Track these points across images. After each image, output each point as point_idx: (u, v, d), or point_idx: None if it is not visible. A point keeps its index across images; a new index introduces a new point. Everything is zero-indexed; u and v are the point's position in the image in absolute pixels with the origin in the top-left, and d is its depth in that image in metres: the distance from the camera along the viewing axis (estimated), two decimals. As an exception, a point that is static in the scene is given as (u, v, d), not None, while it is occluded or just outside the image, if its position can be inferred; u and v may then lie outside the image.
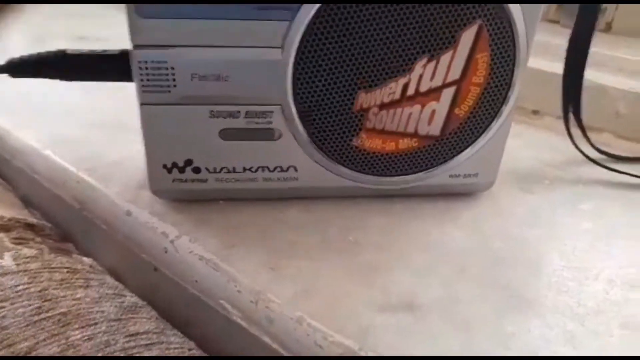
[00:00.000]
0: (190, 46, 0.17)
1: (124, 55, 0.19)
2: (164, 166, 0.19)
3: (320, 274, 0.17)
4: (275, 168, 0.20)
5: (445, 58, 0.18)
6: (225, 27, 0.17)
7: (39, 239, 0.24)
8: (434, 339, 0.15)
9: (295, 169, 0.20)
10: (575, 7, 0.24)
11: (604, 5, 0.36)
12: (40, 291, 0.20)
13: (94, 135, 0.26)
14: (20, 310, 0.18)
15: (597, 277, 0.18)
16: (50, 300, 0.19)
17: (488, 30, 0.18)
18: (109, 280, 0.22)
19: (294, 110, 0.18)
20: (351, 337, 0.15)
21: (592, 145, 0.26)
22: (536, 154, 0.27)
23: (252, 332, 0.17)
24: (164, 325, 0.20)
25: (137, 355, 0.18)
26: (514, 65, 0.19)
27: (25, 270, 0.21)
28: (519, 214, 0.22)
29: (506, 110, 0.20)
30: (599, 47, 0.33)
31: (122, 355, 0.18)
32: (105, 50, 0.19)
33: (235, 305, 0.17)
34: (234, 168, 0.20)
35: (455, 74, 0.18)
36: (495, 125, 0.20)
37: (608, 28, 0.36)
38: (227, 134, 0.19)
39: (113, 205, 0.21)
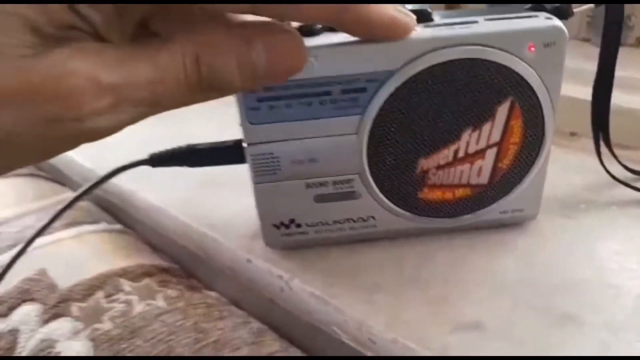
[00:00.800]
0: (288, 140, 0.23)
1: (237, 144, 0.25)
2: (274, 225, 0.25)
3: (404, 306, 0.23)
4: (358, 219, 0.25)
5: (486, 127, 0.23)
6: (313, 124, 0.22)
7: (174, 280, 0.31)
8: (495, 352, 0.21)
9: (374, 218, 0.25)
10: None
11: (632, 21, 0.39)
12: (192, 325, 0.26)
13: (202, 195, 0.33)
14: (185, 341, 0.25)
15: (628, 293, 0.23)
16: (202, 332, 0.26)
17: (519, 103, 0.22)
18: (235, 310, 0.29)
19: (370, 177, 0.24)
20: (435, 351, 0.21)
21: (624, 166, 0.30)
22: (573, 178, 0.31)
23: (359, 349, 0.23)
24: (286, 344, 0.26)
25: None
26: (543, 125, 0.23)
27: (176, 309, 0.28)
28: (559, 240, 0.26)
29: (541, 160, 0.24)
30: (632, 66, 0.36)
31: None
32: (223, 142, 0.26)
33: (345, 331, 0.23)
34: (326, 222, 0.25)
35: (495, 137, 0.23)
36: (533, 172, 0.24)
37: (639, 43, 0.38)
38: (319, 198, 0.25)
39: (235, 254, 0.28)
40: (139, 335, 0.26)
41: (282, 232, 0.26)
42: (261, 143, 0.23)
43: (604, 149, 0.29)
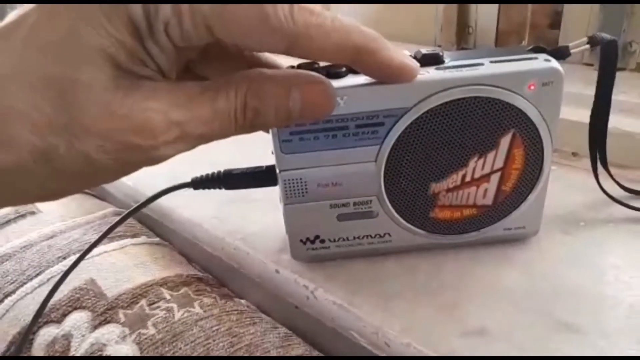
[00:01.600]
0: (315, 167, 0.26)
1: (269, 169, 0.28)
2: (301, 240, 0.28)
3: (417, 312, 0.26)
4: (375, 235, 0.28)
5: (490, 155, 0.26)
6: (337, 154, 0.25)
7: (209, 289, 0.34)
8: (498, 355, 0.23)
9: (390, 235, 0.28)
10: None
11: (633, 47, 0.41)
12: (226, 330, 0.29)
13: (231, 211, 0.36)
14: (221, 344, 0.28)
15: (621, 304, 0.25)
16: (236, 336, 0.29)
17: (520, 135, 0.25)
18: (263, 316, 0.32)
19: (386, 199, 0.27)
20: (443, 354, 0.23)
21: (620, 185, 0.32)
22: (574, 196, 0.33)
23: (375, 352, 0.25)
24: (311, 348, 0.29)
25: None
26: (542, 153, 0.26)
27: (211, 315, 0.31)
28: (559, 255, 0.28)
29: (540, 183, 0.27)
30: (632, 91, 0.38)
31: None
32: (256, 167, 0.29)
33: (362, 335, 0.26)
34: (347, 238, 0.28)
35: (499, 164, 0.26)
36: (534, 194, 0.27)
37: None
38: (341, 217, 0.28)
39: (264, 265, 0.31)
40: (180, 340, 0.29)
41: (308, 247, 0.29)
42: (292, 169, 0.26)
43: (601, 169, 0.31)
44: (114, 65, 0.17)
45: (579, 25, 0.43)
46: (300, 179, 0.26)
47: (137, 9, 0.17)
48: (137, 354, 0.29)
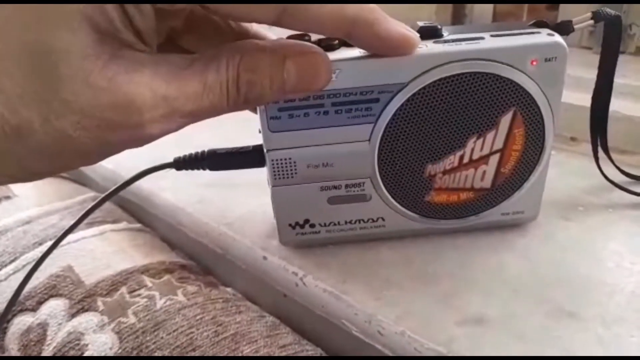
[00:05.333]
0: (305, 146, 0.24)
1: (256, 149, 0.26)
2: (289, 225, 0.27)
3: (412, 300, 0.24)
4: (368, 220, 0.27)
5: (490, 135, 0.24)
6: (329, 132, 0.24)
7: (193, 276, 0.33)
8: (498, 344, 0.22)
9: (383, 219, 0.27)
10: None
11: (633, 30, 0.40)
12: (211, 319, 0.28)
13: (216, 194, 0.34)
14: (205, 334, 0.27)
15: (622, 290, 0.24)
16: (221, 325, 0.27)
17: (521, 113, 0.24)
18: (250, 305, 0.30)
19: (380, 181, 0.25)
20: (440, 344, 0.22)
21: (620, 170, 0.31)
22: (573, 181, 0.32)
23: (368, 341, 0.24)
24: (299, 337, 0.27)
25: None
26: (544, 134, 0.25)
27: (195, 304, 0.29)
28: (559, 240, 0.27)
29: (541, 166, 0.26)
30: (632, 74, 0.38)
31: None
32: (242, 147, 0.27)
33: (354, 324, 0.24)
34: (338, 222, 0.27)
35: (498, 144, 0.25)
36: (533, 177, 0.26)
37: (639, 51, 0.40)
38: (332, 200, 0.26)
39: (252, 251, 0.29)
40: (161, 329, 0.28)
41: (297, 232, 0.27)
42: (280, 149, 0.25)
43: (601, 153, 0.30)
44: (94, 29, 0.15)
45: (578, 7, 0.42)
46: (289, 159, 0.25)
47: None
48: (117, 343, 0.28)
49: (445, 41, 0.23)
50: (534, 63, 0.23)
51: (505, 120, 0.24)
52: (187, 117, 0.18)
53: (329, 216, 0.27)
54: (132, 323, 0.28)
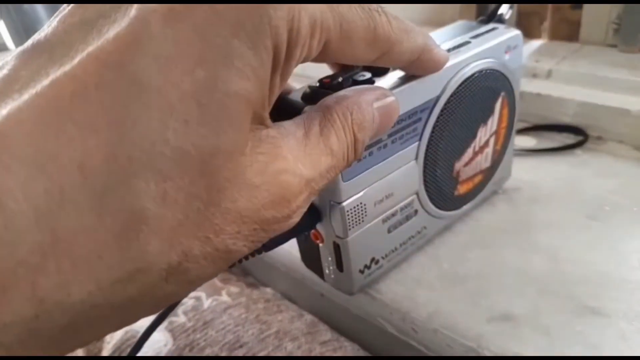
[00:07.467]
0: (370, 185, 0.23)
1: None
2: (360, 271, 0.25)
3: (442, 300, 0.26)
4: (416, 233, 0.28)
5: (490, 121, 0.29)
6: (388, 162, 0.24)
7: (234, 278, 0.35)
8: (524, 339, 0.24)
9: (425, 227, 0.28)
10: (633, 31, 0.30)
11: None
12: (255, 317, 0.30)
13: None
14: (250, 331, 0.29)
15: (645, 287, 0.25)
16: (264, 323, 0.30)
17: (506, 96, 0.29)
18: (289, 304, 0.33)
19: (424, 193, 0.27)
20: (471, 340, 0.24)
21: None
22: (599, 181, 0.33)
23: (403, 338, 0.26)
24: (337, 335, 0.30)
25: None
26: (515, 107, 0.30)
27: (240, 303, 0.32)
28: (584, 240, 0.28)
29: (513, 134, 0.31)
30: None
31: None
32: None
33: (389, 322, 0.26)
34: (395, 248, 0.27)
35: (494, 127, 0.29)
36: (510, 145, 0.31)
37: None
38: (391, 228, 0.26)
39: (290, 253, 0.31)
40: (210, 327, 0.30)
41: (365, 275, 0.26)
42: (353, 196, 0.23)
43: (626, 151, 0.31)
44: (252, 116, 0.13)
45: (601, 7, 0.42)
46: (361, 202, 0.23)
47: (282, 26, 0.12)
48: (170, 340, 0.30)
49: (448, 50, 0.25)
50: (507, 53, 0.27)
51: (498, 105, 0.28)
52: (316, 195, 0.15)
53: (388, 245, 0.26)
54: (182, 322, 0.31)
